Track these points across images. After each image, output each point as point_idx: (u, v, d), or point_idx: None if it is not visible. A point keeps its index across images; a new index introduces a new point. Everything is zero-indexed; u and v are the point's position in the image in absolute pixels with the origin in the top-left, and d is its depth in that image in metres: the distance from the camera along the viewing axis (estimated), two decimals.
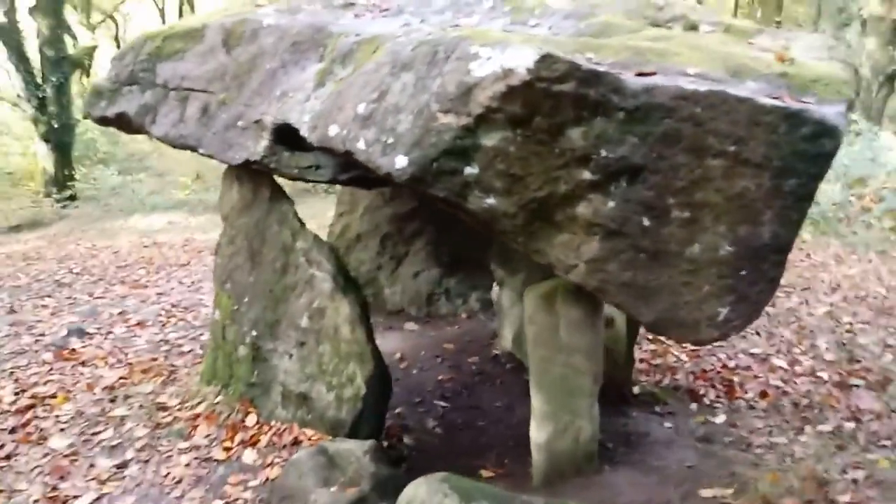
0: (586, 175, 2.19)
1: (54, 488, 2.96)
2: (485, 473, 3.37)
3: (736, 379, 4.21)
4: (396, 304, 5.35)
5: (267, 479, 2.96)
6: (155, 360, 4.40)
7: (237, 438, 3.22)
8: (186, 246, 8.32)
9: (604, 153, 2.16)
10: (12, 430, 3.43)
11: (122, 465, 3.13)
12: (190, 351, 4.54)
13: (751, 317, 2.37)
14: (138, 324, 5.11)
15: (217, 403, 3.46)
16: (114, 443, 3.32)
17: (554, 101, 2.09)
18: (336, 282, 3.14)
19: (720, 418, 3.80)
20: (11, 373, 4.16)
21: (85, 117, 3.83)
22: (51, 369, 4.23)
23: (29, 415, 3.59)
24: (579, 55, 2.35)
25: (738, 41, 2.86)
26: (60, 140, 11.91)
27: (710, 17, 3.04)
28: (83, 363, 4.35)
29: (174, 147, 3.34)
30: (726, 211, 2.24)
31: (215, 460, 3.12)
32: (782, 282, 5.70)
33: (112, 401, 3.74)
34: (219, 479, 3.00)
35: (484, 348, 4.83)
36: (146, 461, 3.15)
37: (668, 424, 3.77)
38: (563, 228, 2.26)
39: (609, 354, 4.00)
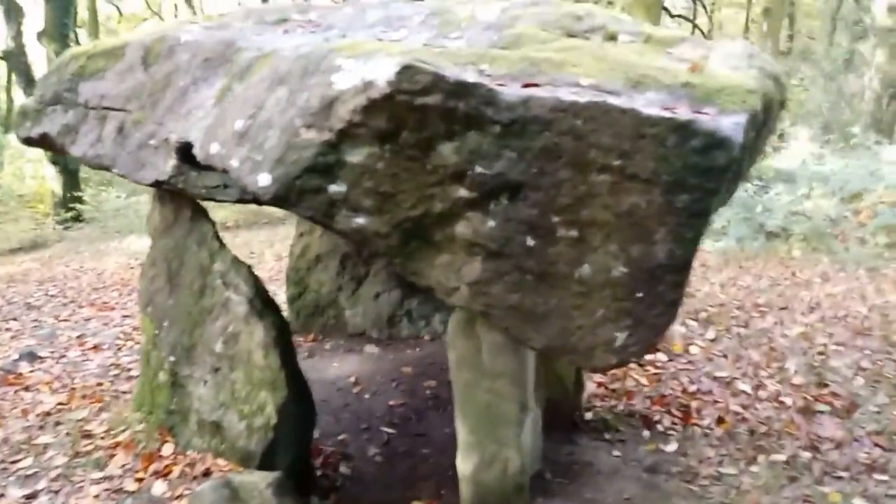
0: (463, 192, 2.07)
1: None
2: None
3: (694, 404, 4.02)
4: (357, 325, 5.23)
5: None
6: (100, 384, 4.32)
7: (151, 469, 3.11)
8: None
9: (479, 169, 2.04)
10: None
11: (33, 496, 3.03)
12: (138, 376, 4.45)
13: (650, 342, 2.22)
14: (94, 347, 5.04)
15: (138, 431, 3.35)
16: (30, 472, 3.22)
17: (420, 114, 1.97)
18: (252, 305, 3.03)
19: (671, 446, 3.62)
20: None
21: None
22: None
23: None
24: (472, 67, 2.25)
25: (655, 51, 2.73)
26: (68, 162, 12.05)
27: (631, 28, 2.91)
28: (26, 388, 4.28)
29: (91, 167, 3.28)
30: (617, 229, 2.11)
31: (125, 491, 3.01)
32: (759, 300, 5.54)
33: (41, 427, 3.66)
34: None
35: (442, 372, 4.66)
36: (57, 492, 3.05)
37: (616, 453, 3.60)
38: (443, 249, 2.14)
39: (558, 380, 3.86)
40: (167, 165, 2.93)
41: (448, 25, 3.21)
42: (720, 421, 3.83)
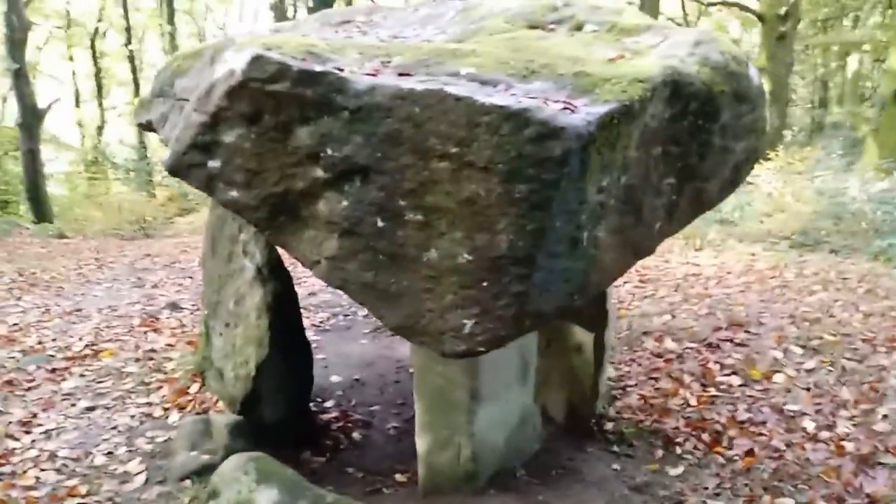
0: (319, 173, 2.24)
1: (35, 415, 3.68)
2: (398, 478, 3.42)
3: (732, 433, 3.64)
4: None
5: (169, 438, 3.36)
6: None
7: (176, 402, 3.68)
8: None
9: (329, 152, 2.20)
10: (52, 371, 4.28)
11: (92, 409, 3.76)
12: None
13: (496, 333, 2.19)
14: None
15: (186, 371, 3.96)
16: (103, 391, 3.98)
17: (275, 100, 2.19)
18: (259, 272, 3.44)
19: (676, 470, 3.36)
20: (101, 331, 5.13)
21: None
22: (129, 331, 5.12)
23: (74, 360, 4.43)
24: (378, 59, 2.42)
25: (604, 41, 2.62)
26: None
27: (603, 18, 2.79)
28: (155, 330, 5.18)
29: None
30: (461, 217, 2.13)
31: (152, 417, 3.61)
32: (882, 336, 4.72)
33: (136, 360, 4.45)
34: (140, 431, 3.47)
35: None
36: (109, 408, 3.75)
37: (615, 466, 3.45)
38: (309, 225, 2.32)
39: (575, 384, 3.78)
40: None
41: (465, 19, 3.32)
42: (748, 454, 3.44)
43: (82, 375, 4.21)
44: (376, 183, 2.18)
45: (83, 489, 2.98)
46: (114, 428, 3.54)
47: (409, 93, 2.09)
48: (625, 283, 6.64)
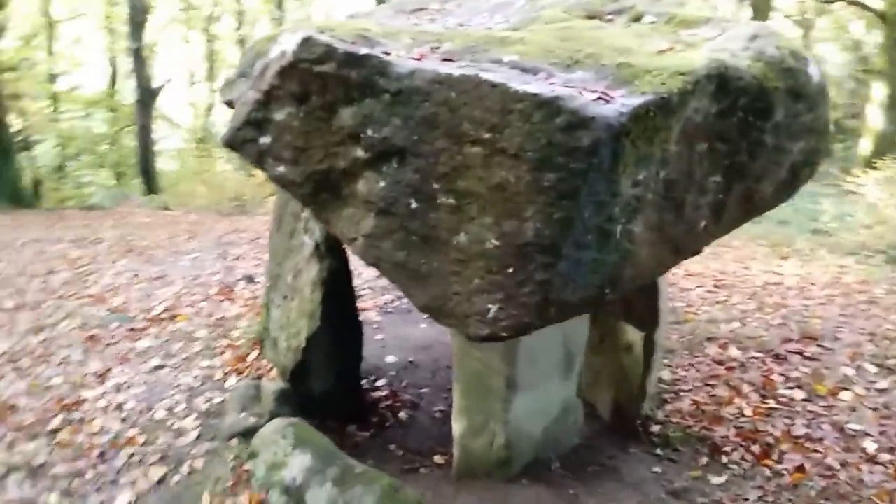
0: (360, 153, 2.32)
1: (109, 369, 3.98)
2: (437, 459, 3.50)
3: (785, 447, 3.51)
4: None
5: (224, 400, 3.57)
6: None
7: (235, 368, 3.89)
8: None
9: (370, 133, 2.28)
10: (131, 330, 4.60)
11: (161, 367, 4.03)
12: None
13: (520, 319, 2.21)
14: None
15: (249, 339, 4.18)
16: (173, 353, 4.25)
17: (321, 80, 2.29)
18: (317, 248, 3.58)
19: (719, 479, 3.29)
20: (181, 297, 5.46)
21: None
22: (205, 299, 5.43)
23: (152, 322, 4.75)
24: (426, 46, 2.49)
25: (661, 33, 2.58)
26: None
27: (663, 10, 2.74)
28: (231, 300, 5.46)
29: None
30: (491, 202, 2.17)
31: (212, 379, 3.83)
32: None
33: (207, 326, 4.72)
34: (199, 392, 3.70)
35: None
36: (176, 368, 4.01)
37: (656, 469, 3.41)
38: (349, 203, 2.41)
39: (623, 383, 3.74)
40: None
41: (531, 8, 3.34)
42: (798, 469, 3.31)
43: (157, 336, 4.50)
44: (412, 165, 2.24)
45: (141, 439, 3.22)
46: (177, 386, 3.78)
47: (447, 77, 2.14)
48: (697, 286, 6.45)
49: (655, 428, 3.72)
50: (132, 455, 3.07)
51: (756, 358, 4.61)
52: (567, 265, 2.14)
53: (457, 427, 3.23)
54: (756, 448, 3.52)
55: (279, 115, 2.41)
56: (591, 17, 2.79)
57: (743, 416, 3.86)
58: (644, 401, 3.69)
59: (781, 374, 4.35)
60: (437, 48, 2.47)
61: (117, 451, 3.11)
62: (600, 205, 2.11)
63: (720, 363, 4.57)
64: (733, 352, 4.68)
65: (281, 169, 2.46)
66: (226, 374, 3.86)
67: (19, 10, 19.12)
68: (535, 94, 2.02)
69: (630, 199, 2.20)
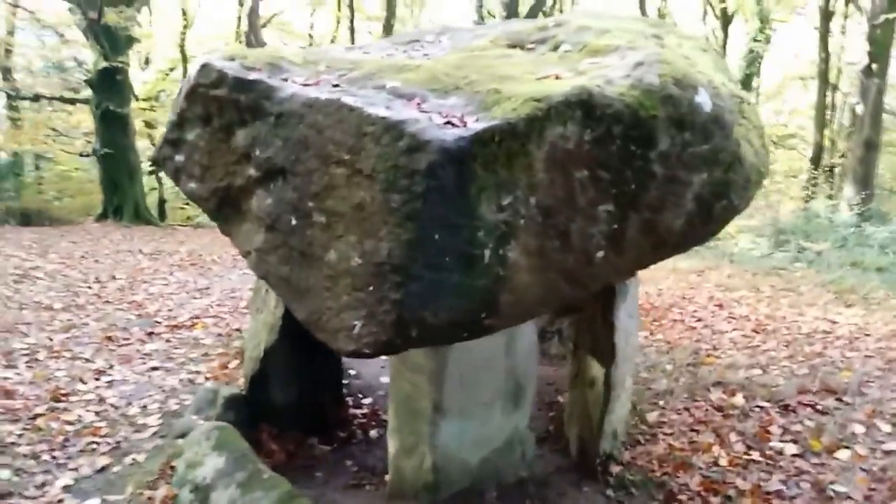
0: (252, 171, 2.47)
1: (111, 367, 4.31)
2: (387, 478, 3.55)
3: (748, 502, 3.28)
4: None
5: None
6: None
7: (215, 373, 4.13)
8: None
9: (258, 153, 2.42)
10: (148, 334, 4.97)
11: (155, 369, 4.33)
12: None
13: (379, 337, 2.24)
14: None
15: (238, 349, 4.41)
16: (174, 356, 4.55)
17: (219, 103, 2.46)
18: None
19: None
20: (209, 308, 5.83)
21: None
22: (232, 311, 5.77)
23: (173, 328, 5.11)
24: (334, 73, 2.63)
25: (564, 61, 2.57)
26: None
27: (581, 39, 2.72)
28: None
29: None
30: (354, 221, 2.24)
31: (192, 382, 4.08)
32: None
33: (218, 335, 5.02)
34: (177, 393, 3.96)
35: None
36: (168, 371, 4.30)
37: None
38: (246, 218, 2.56)
39: (585, 419, 3.65)
40: None
41: (471, 38, 3.38)
42: None
43: (168, 341, 4.84)
44: (291, 183, 2.36)
45: (104, 431, 3.48)
46: (161, 387, 4.05)
47: (315, 101, 2.25)
48: (734, 329, 6.12)
49: (616, 469, 3.58)
50: (89, 444, 3.33)
51: (761, 407, 4.34)
52: (421, 286, 2.16)
53: (391, 446, 3.27)
54: (715, 500, 3.31)
55: (190, 136, 2.60)
56: (512, 46, 2.81)
57: (716, 465, 3.64)
58: (602, 439, 3.56)
59: (781, 427, 4.06)
60: (344, 76, 2.59)
61: (79, 439, 3.37)
62: (454, 228, 2.13)
63: (719, 409, 4.33)
64: (738, 399, 4.42)
65: (192, 185, 2.65)
66: (206, 378, 4.09)
67: (161, 45, 21.07)
68: (384, 118, 2.09)
69: (497, 224, 2.21)
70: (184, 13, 19.82)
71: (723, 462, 3.66)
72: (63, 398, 3.83)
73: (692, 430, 4.03)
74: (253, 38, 19.14)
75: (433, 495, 3.17)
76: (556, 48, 2.73)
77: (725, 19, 20.13)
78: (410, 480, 3.20)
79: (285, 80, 2.47)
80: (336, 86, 2.41)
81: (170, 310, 5.67)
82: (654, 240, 2.54)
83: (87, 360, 4.38)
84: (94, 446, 3.32)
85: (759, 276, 8.83)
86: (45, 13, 17.80)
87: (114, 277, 6.91)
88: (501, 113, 2.10)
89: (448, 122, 2.08)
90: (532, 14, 16.20)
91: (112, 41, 14.57)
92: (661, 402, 4.42)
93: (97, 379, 4.13)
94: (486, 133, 2.05)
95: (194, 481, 2.86)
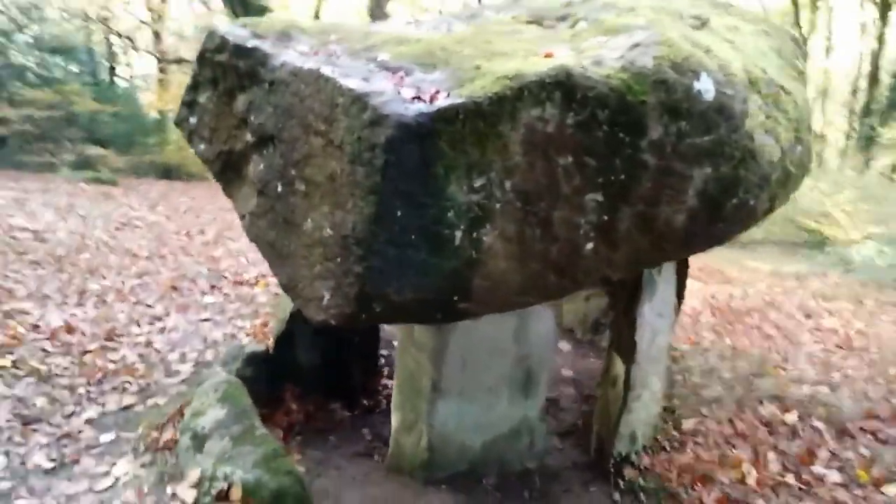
0: (249, 137, 2.52)
1: (168, 313, 4.60)
2: None
3: None
4: (568, 322, 5.33)
5: None
6: None
7: (254, 331, 4.30)
8: None
9: (253, 119, 2.47)
10: (212, 287, 5.24)
11: (206, 320, 4.57)
12: None
13: (343, 309, 2.25)
14: None
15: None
16: (226, 310, 4.78)
17: (222, 68, 2.53)
18: None
19: None
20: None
21: None
22: None
23: (236, 284, 5.37)
24: (344, 44, 2.63)
25: (574, 39, 2.43)
26: None
27: (600, 16, 2.56)
28: None
29: None
30: (328, 192, 2.26)
31: (234, 337, 4.27)
32: None
33: (275, 294, 5.21)
34: (217, 345, 4.16)
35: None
36: (216, 323, 4.52)
37: None
38: (245, 182, 2.62)
39: (605, 418, 3.53)
40: None
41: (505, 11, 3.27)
42: None
43: (226, 295, 5.09)
44: (279, 150, 2.39)
45: (140, 371, 3.72)
46: (205, 338, 4.27)
47: (299, 70, 2.26)
48: (815, 342, 5.64)
49: (631, 473, 3.43)
50: (123, 382, 3.57)
51: (815, 428, 3.99)
52: (383, 261, 2.15)
53: (393, 421, 3.29)
54: None
55: (202, 98, 2.70)
56: (531, 23, 2.69)
57: (742, 483, 3.39)
58: (616, 440, 3.42)
59: (831, 451, 3.73)
60: (347, 47, 2.57)
61: (116, 377, 3.63)
62: (419, 205, 2.09)
63: (766, 424, 4.02)
64: (790, 416, 4.09)
65: (201, 147, 2.74)
66: (247, 334, 4.27)
67: (297, 17, 21.96)
68: (352, 90, 2.07)
69: (470, 206, 2.15)
70: None
71: (750, 481, 3.40)
72: (116, 338, 4.12)
73: (728, 443, 3.77)
74: (378, 10, 19.51)
75: (428, 473, 3.16)
76: (574, 25, 2.59)
77: (885, 6, 18.35)
78: (408, 456, 3.21)
79: (287, 48, 2.49)
80: (330, 56, 2.40)
81: (243, 267, 5.95)
82: (652, 235, 2.37)
83: (148, 306, 4.69)
84: (127, 385, 3.56)
85: (868, 288, 8.08)
86: None
87: (202, 232, 7.33)
88: (469, 91, 2.02)
89: (417, 98, 2.03)
90: None
91: (247, 10, 15.35)
92: (705, 410, 4.17)
93: (151, 324, 4.41)
94: (448, 110, 1.98)
95: (195, 429, 3.00)
